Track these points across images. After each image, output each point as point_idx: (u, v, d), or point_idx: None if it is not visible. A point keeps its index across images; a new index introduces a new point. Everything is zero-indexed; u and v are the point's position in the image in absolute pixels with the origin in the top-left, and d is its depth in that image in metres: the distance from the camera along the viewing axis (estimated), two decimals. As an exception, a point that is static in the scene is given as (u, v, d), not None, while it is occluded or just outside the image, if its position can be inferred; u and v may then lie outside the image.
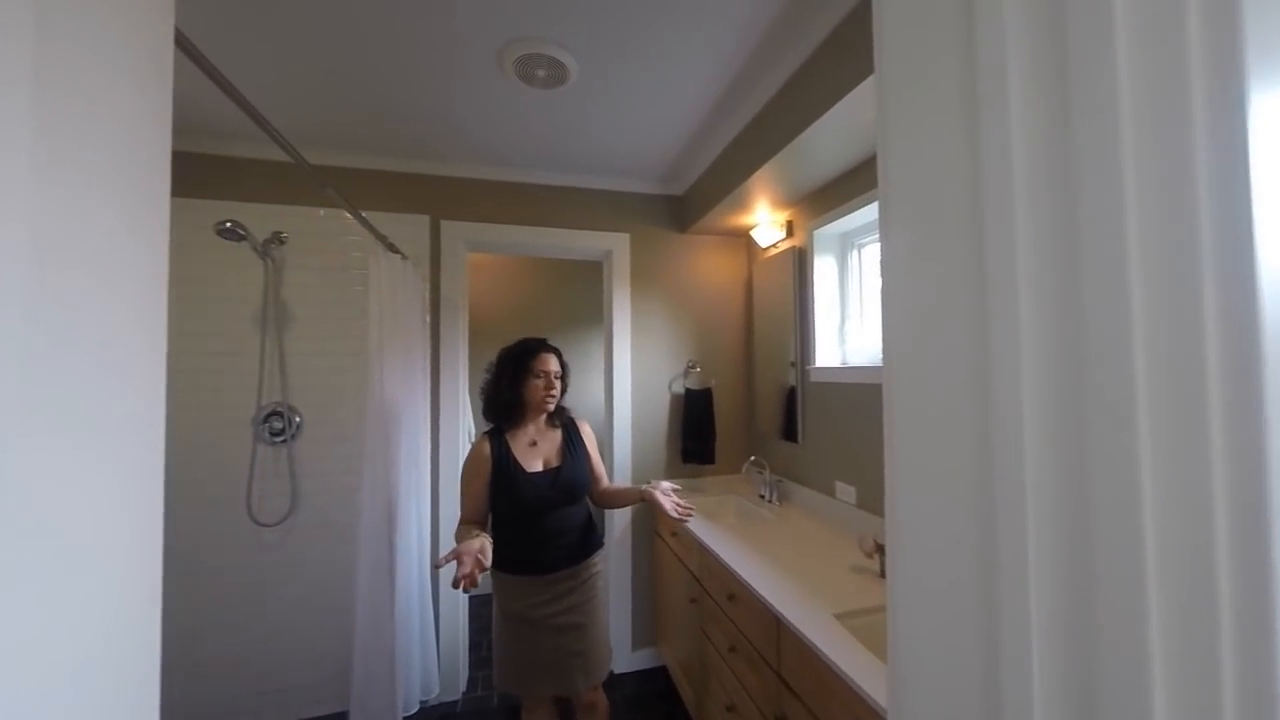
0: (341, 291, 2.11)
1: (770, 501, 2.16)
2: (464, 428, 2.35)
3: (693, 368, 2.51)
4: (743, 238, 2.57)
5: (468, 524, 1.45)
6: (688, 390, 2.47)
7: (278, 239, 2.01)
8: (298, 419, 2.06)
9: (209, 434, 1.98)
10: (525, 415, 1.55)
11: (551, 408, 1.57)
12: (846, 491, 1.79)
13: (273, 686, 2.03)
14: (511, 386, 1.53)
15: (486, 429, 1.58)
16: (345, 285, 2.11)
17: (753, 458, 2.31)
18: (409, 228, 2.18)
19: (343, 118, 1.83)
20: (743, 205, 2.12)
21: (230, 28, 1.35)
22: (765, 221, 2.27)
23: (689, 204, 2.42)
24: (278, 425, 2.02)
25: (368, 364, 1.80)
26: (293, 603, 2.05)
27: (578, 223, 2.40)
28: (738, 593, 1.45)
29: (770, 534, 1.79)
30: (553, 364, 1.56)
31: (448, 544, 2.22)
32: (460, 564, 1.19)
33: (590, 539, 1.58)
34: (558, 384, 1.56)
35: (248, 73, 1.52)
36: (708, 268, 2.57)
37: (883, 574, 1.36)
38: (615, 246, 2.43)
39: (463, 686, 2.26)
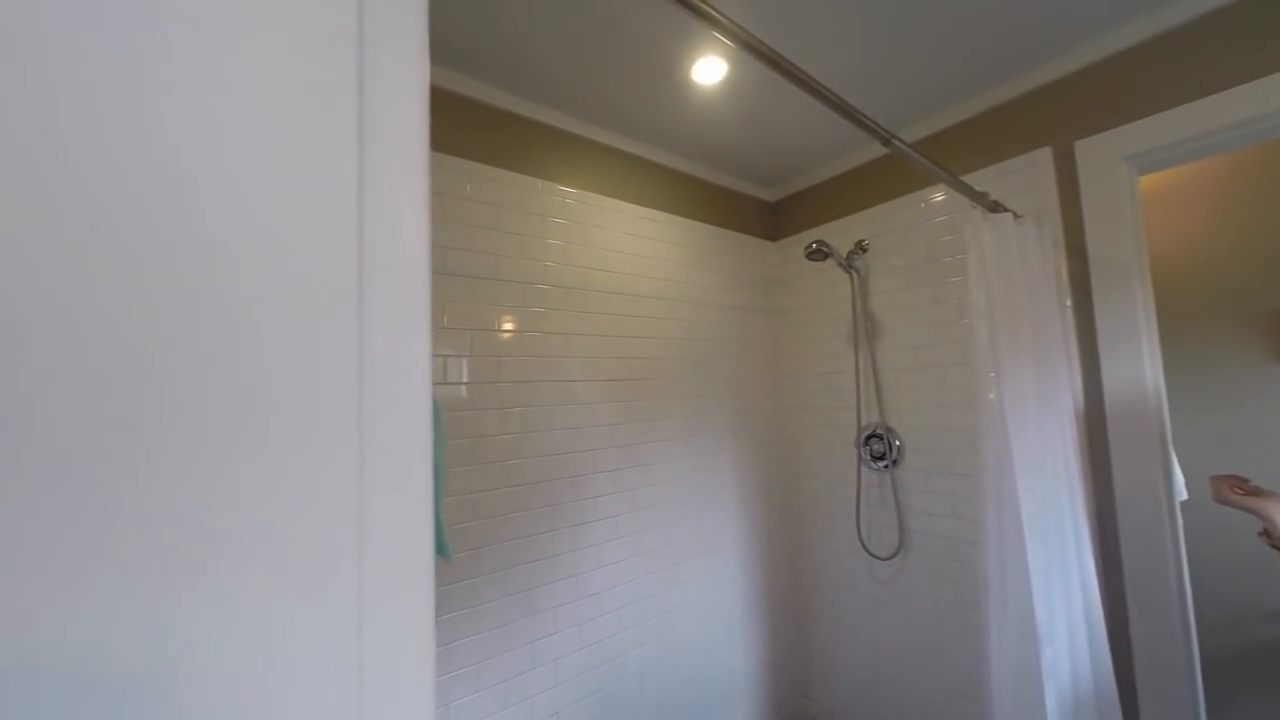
0: (933, 290, 1.72)
1: None
2: (1172, 470, 1.36)
3: None
4: None
5: None
6: None
7: (859, 248, 1.89)
8: (897, 442, 1.81)
9: (823, 453, 2.06)
10: None
11: None
12: None
13: (900, 744, 1.80)
14: None
15: None
16: (936, 280, 1.71)
17: None
18: (1016, 178, 1.53)
19: (899, 74, 1.49)
20: None
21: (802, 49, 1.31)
22: None
23: None
24: (878, 448, 1.84)
25: (974, 375, 1.31)
26: (903, 650, 1.77)
27: None
28: None
29: None
30: None
31: (1143, 658, 1.31)
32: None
33: None
34: None
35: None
36: None
37: None
38: None
39: None
